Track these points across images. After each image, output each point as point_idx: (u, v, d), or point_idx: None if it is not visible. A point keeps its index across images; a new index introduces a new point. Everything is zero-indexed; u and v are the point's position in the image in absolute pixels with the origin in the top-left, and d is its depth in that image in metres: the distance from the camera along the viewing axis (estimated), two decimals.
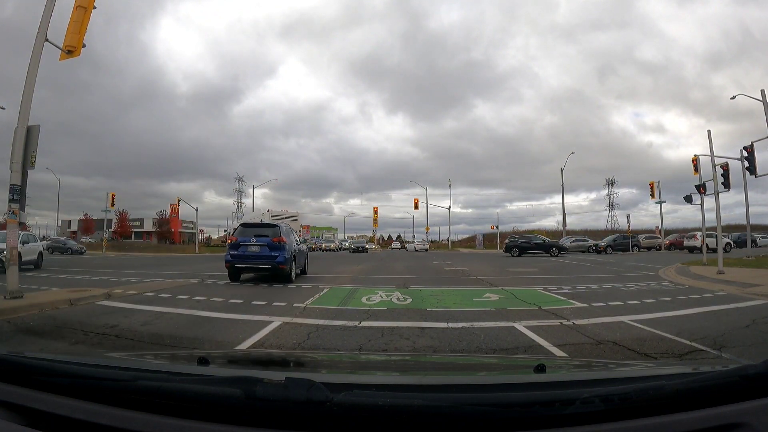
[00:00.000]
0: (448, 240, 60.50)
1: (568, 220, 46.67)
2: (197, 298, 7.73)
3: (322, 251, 51.06)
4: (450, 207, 59.40)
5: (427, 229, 59.79)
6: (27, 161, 7.45)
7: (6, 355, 1.17)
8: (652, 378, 1.22)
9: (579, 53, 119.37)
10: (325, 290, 9.05)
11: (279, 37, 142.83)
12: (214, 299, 7.61)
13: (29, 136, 7.48)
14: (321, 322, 5.63)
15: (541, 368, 1.26)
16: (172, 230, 63.08)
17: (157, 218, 64.05)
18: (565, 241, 36.67)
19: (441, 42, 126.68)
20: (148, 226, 64.11)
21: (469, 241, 67.78)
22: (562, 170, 44.35)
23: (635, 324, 5.54)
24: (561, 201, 46.18)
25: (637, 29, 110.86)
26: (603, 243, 35.01)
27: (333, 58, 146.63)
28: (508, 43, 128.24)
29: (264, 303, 7.16)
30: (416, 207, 50.61)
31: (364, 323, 5.57)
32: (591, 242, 35.88)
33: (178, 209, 54.91)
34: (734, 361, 3.89)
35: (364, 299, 7.66)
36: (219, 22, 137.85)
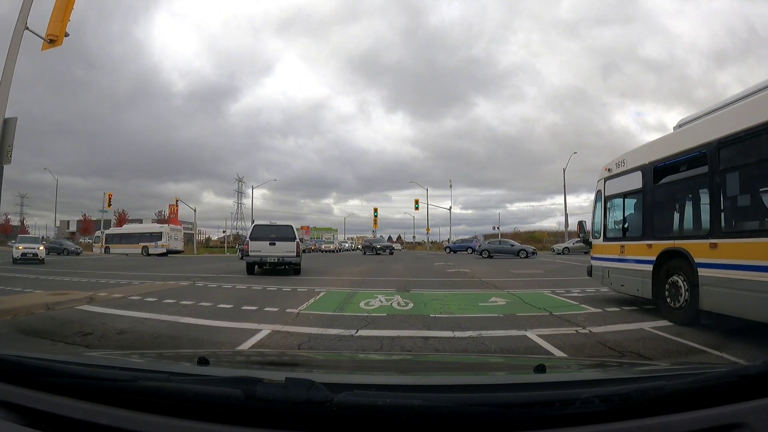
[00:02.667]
0: (448, 241, 59.93)
1: (569, 221, 45.99)
2: (184, 302, 7.27)
3: (322, 252, 50.35)
4: (450, 208, 58.76)
5: (428, 230, 59.38)
6: (3, 156, 7.03)
7: (6, 355, 1.14)
8: (652, 378, 1.21)
9: (582, 49, 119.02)
10: (322, 294, 8.60)
11: (276, 32, 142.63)
12: (201, 304, 7.17)
13: (5, 129, 7.08)
14: (314, 330, 5.17)
15: (541, 368, 1.25)
16: None
17: (156, 219, 63.61)
18: (568, 243, 36.18)
19: (441, 38, 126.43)
20: None
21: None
22: (564, 170, 43.83)
23: (657, 332, 5.09)
24: (563, 202, 45.63)
25: (641, 25, 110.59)
26: None
27: (331, 54, 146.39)
28: (509, 39, 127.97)
29: (255, 308, 6.70)
30: (416, 207, 50.08)
31: (362, 332, 5.11)
32: None
33: (177, 210, 54.64)
34: (734, 361, 3.69)
35: (362, 304, 7.19)
36: (214, 17, 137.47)
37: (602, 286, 6.90)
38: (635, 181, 6.59)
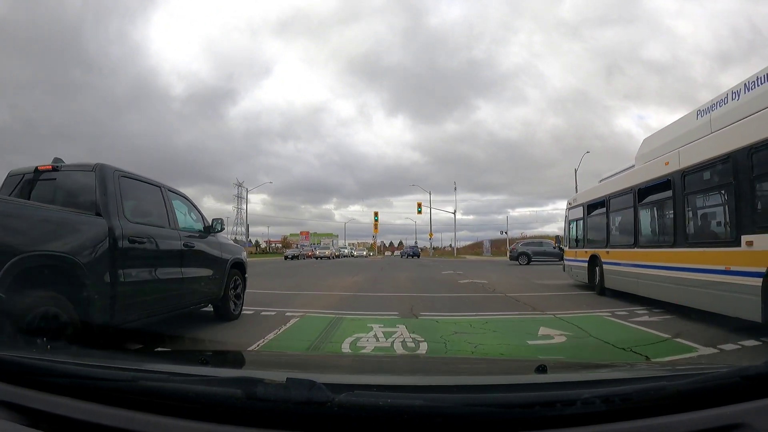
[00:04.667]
0: (451, 246, 57.50)
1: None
2: None
3: (316, 259, 42.17)
4: (455, 212, 55.85)
5: (431, 234, 57.07)
6: None
7: (6, 356, 1.13)
8: (653, 379, 1.20)
9: (585, 51, 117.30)
10: (294, 320, 5.98)
11: (274, 34, 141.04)
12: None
13: None
14: None
15: (542, 369, 1.24)
16: None
17: None
18: None
19: (442, 39, 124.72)
20: None
21: (475, 248, 65.15)
22: (576, 171, 41.47)
23: None
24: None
25: (644, 25, 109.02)
26: None
27: (331, 55, 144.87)
28: (511, 40, 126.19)
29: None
30: (419, 211, 47.91)
31: None
32: None
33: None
34: (735, 362, 3.34)
35: (346, 344, 4.61)
36: (212, 18, 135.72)
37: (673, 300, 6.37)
38: (580, 212, 10.76)
